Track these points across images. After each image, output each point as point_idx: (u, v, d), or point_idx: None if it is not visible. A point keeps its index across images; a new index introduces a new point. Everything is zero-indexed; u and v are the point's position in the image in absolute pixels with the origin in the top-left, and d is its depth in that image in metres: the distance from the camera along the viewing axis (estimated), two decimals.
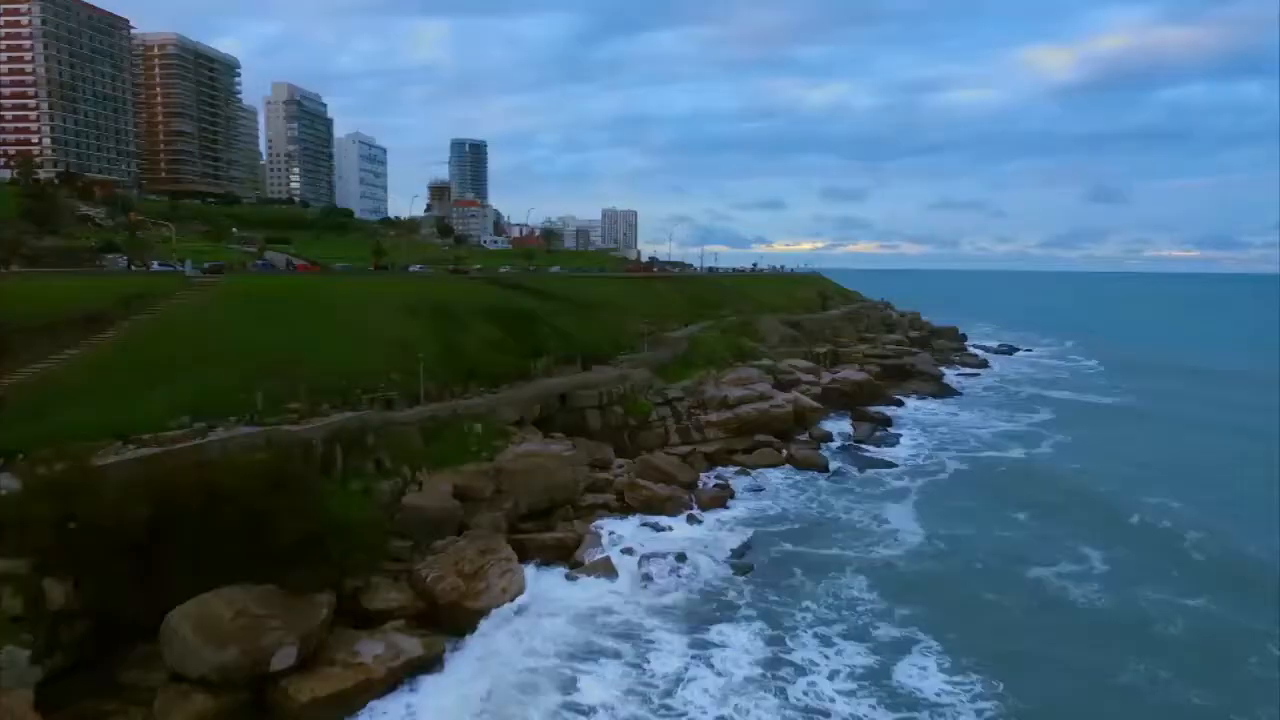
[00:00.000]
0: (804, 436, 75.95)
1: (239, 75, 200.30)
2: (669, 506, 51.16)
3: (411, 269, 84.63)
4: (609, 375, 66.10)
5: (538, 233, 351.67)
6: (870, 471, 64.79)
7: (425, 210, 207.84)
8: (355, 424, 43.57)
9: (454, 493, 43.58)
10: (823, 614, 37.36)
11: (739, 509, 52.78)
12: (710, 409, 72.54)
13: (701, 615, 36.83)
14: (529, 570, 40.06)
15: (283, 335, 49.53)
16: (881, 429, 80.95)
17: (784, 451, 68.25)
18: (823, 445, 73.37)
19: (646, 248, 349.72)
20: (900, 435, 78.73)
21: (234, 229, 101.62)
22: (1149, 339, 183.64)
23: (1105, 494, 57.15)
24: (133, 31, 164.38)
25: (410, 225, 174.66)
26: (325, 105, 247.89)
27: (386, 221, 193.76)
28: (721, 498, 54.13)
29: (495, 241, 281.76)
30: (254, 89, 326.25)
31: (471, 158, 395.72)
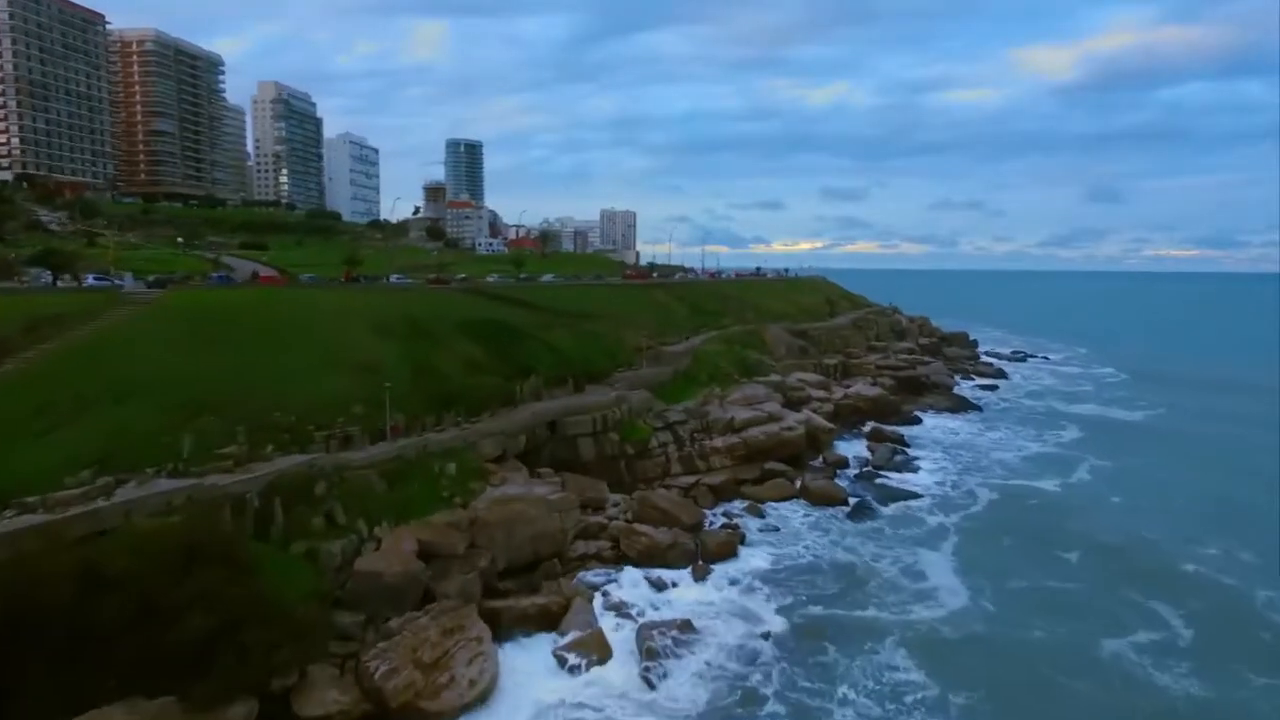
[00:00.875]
0: (818, 462, 69.44)
1: (223, 73, 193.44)
2: (672, 556, 44.54)
3: (390, 279, 77.45)
4: (604, 399, 59.46)
5: (535, 234, 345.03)
6: (894, 506, 58.26)
7: (414, 213, 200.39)
8: (303, 470, 36.91)
9: (419, 550, 36.95)
10: (864, 707, 30.78)
11: (754, 557, 46.13)
12: (715, 433, 65.94)
13: (717, 713, 30.16)
14: (506, 649, 33.47)
15: (227, 362, 42.84)
16: (900, 450, 74.40)
17: (797, 482, 61.68)
18: (839, 472, 66.85)
19: (645, 248, 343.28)
20: (921, 459, 72.15)
21: (179, 239, 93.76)
22: (1162, 344, 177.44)
23: (1156, 538, 50.48)
24: (109, 27, 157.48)
25: (399, 229, 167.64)
26: (314, 104, 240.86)
27: (375, 224, 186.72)
28: (731, 544, 47.42)
29: (491, 244, 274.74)
30: (249, 89, 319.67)
31: (467, 158, 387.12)
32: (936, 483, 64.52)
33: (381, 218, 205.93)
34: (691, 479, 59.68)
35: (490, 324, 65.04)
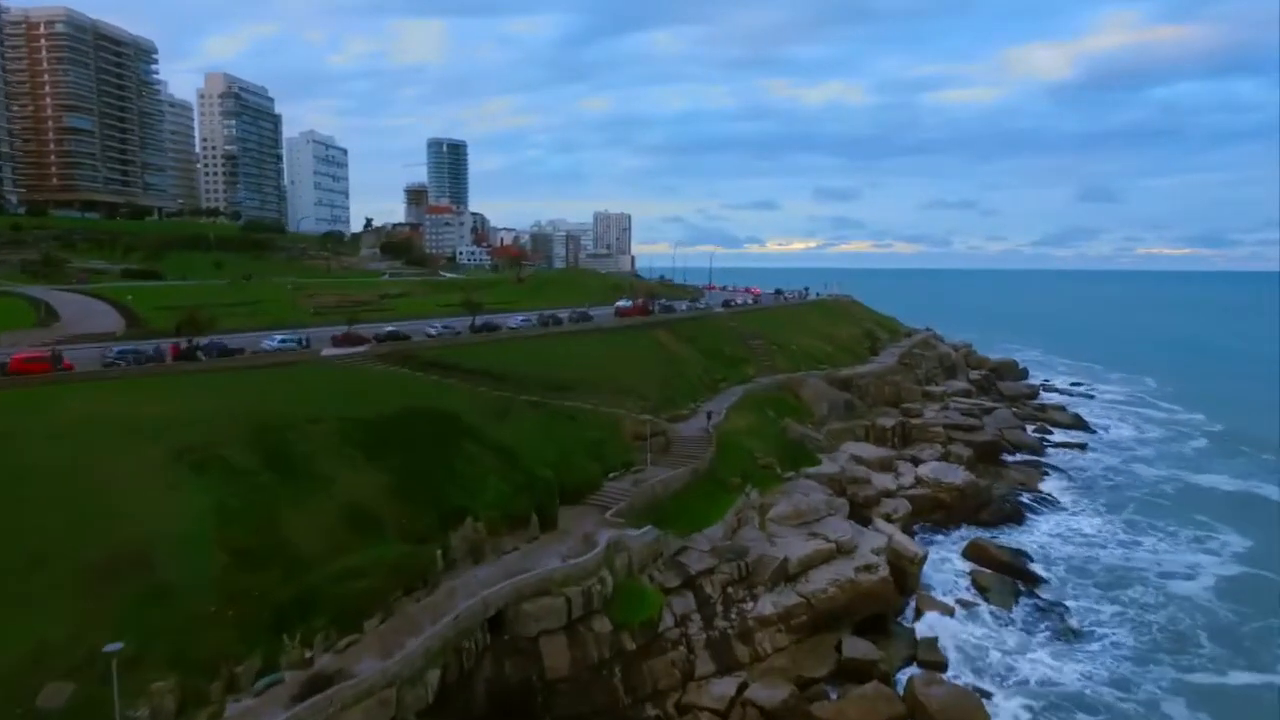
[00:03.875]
0: (909, 617, 46.23)
1: (155, 61, 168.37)
2: None
3: (266, 344, 51.11)
4: (585, 563, 35.80)
5: (526, 238, 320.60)
6: None
7: (365, 225, 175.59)
8: None
9: None
10: None
11: None
12: (760, 584, 42.65)
13: None
14: None
15: None
16: (1020, 587, 50.96)
17: (900, 681, 38.43)
18: (945, 647, 43.41)
19: (640, 250, 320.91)
20: (1063, 603, 48.70)
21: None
22: (1229, 373, 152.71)
23: None
24: (5, 4, 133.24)
25: (352, 244, 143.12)
26: (272, 100, 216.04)
27: (329, 237, 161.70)
28: None
29: (473, 252, 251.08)
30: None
31: (450, 159, 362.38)
32: (1110, 673, 41.24)
33: (360, 225, 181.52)
34: (730, 686, 36.34)
35: (409, 421, 41.30)
